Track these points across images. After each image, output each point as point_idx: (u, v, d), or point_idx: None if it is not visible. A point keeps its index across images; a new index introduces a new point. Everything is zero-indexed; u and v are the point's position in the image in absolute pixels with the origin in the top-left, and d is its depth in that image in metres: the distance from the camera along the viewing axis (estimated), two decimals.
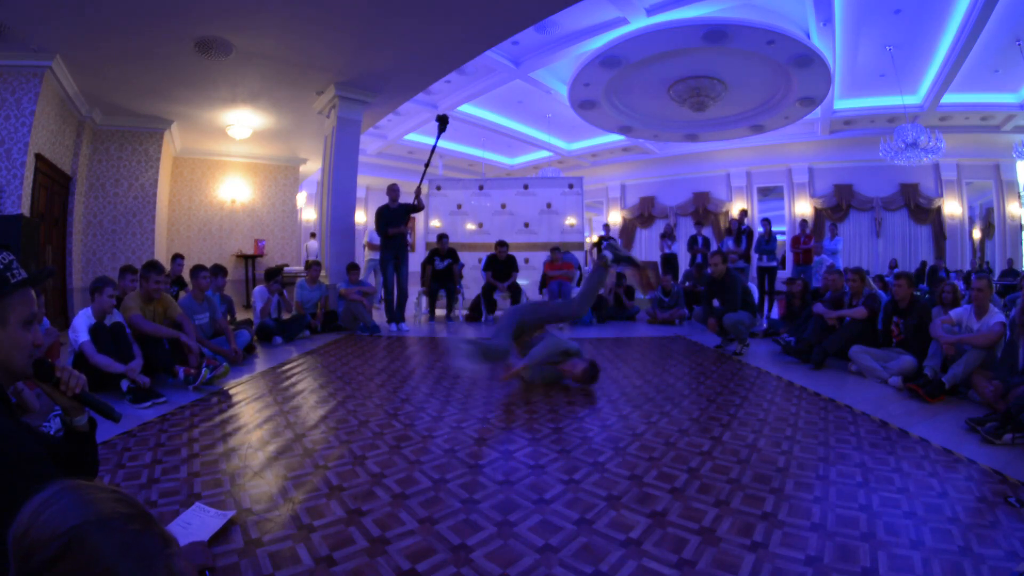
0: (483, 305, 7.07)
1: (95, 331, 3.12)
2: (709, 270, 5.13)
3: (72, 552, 0.56)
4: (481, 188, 8.82)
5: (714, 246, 8.88)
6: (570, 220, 8.56)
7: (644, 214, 14.32)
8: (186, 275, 5.83)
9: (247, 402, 3.09)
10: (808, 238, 8.42)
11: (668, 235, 9.43)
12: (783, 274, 9.03)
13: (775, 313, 7.20)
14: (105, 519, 0.60)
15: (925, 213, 11.37)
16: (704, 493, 1.85)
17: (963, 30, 6.87)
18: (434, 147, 6.16)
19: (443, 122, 5.43)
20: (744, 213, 8.91)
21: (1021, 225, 10.76)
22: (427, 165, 6.36)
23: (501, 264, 7.15)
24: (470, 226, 8.61)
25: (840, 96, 9.72)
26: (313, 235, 11.89)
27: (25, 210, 5.07)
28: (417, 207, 6.21)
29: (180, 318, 3.68)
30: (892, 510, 1.72)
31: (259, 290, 5.64)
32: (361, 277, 6.66)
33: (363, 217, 13.35)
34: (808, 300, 5.54)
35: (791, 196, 12.43)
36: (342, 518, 1.65)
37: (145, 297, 3.55)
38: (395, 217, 6.15)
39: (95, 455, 1.26)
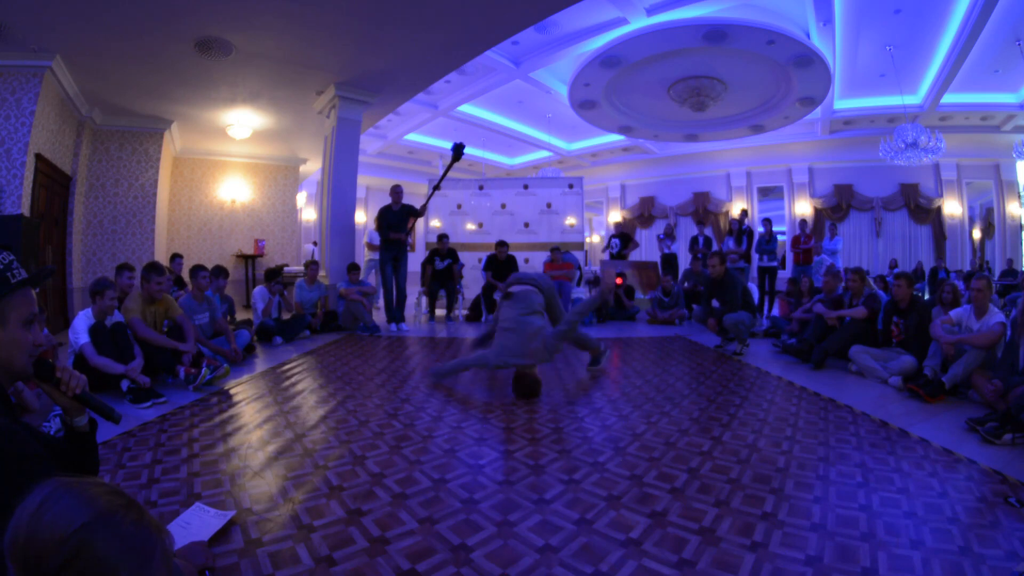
0: (483, 305, 7.07)
1: (95, 332, 3.12)
2: (708, 271, 5.13)
3: (80, 556, 0.56)
4: (481, 188, 8.82)
5: (715, 246, 8.88)
6: (570, 220, 8.56)
7: (644, 214, 14.32)
8: (186, 275, 5.83)
9: (247, 402, 3.09)
10: (808, 238, 8.42)
11: (668, 235, 9.42)
12: (783, 274, 9.04)
13: (776, 311, 7.20)
14: (105, 514, 0.59)
15: (925, 213, 11.37)
16: (704, 493, 1.85)
17: (963, 30, 6.88)
18: (445, 173, 6.14)
19: (458, 150, 5.44)
20: (744, 213, 8.91)
21: (1021, 225, 10.76)
22: (436, 187, 6.36)
23: (501, 264, 7.15)
24: (470, 226, 8.61)
25: (840, 96, 9.72)
26: (316, 243, 11.87)
27: (25, 210, 5.07)
28: (419, 212, 6.23)
29: (181, 319, 3.68)
30: (892, 510, 1.72)
31: (259, 290, 5.64)
32: (361, 277, 6.66)
33: (363, 217, 13.35)
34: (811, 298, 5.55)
35: (791, 196, 12.43)
36: (342, 518, 1.65)
37: (147, 298, 3.55)
38: (397, 220, 6.16)
39: (95, 455, 1.26)
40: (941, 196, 11.26)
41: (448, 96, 9.85)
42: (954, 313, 3.49)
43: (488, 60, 7.99)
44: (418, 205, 6.27)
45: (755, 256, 8.18)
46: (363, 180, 12.21)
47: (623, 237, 10.10)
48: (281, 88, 6.57)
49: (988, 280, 3.34)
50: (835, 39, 7.38)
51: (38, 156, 5.42)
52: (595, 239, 16.54)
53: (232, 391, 3.33)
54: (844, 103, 10.05)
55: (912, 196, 11.37)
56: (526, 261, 8.17)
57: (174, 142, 8.41)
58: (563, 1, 4.80)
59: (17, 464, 0.87)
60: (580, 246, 8.54)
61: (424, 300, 7.44)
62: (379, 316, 6.71)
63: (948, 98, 9.17)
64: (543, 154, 14.01)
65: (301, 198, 12.24)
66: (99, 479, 0.67)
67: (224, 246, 9.26)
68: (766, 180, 12.80)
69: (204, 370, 3.32)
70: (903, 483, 1.93)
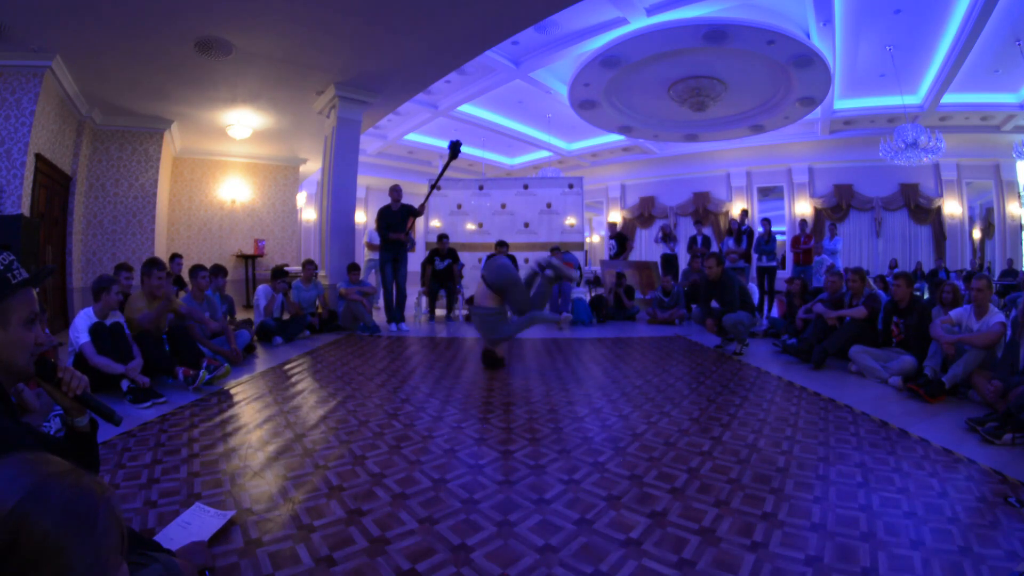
0: None
1: (96, 331, 3.12)
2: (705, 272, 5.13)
3: (23, 537, 0.52)
4: (481, 188, 8.82)
5: (714, 246, 8.88)
6: (570, 220, 8.56)
7: (644, 214, 14.32)
8: (185, 275, 5.83)
9: (247, 402, 3.09)
10: (808, 238, 8.42)
11: (669, 236, 9.41)
12: (783, 274, 9.04)
13: (775, 312, 7.20)
14: (40, 486, 0.55)
15: (925, 213, 11.37)
16: (704, 493, 1.85)
17: (963, 30, 6.88)
18: (443, 171, 6.15)
19: (455, 148, 5.46)
20: (745, 213, 8.91)
21: (1021, 225, 10.76)
22: (434, 186, 6.36)
23: None
24: (470, 226, 8.61)
25: (840, 96, 9.72)
26: None
27: (25, 210, 5.07)
28: (418, 212, 6.23)
29: (184, 310, 3.71)
30: (892, 510, 1.72)
31: (263, 288, 5.64)
32: (361, 277, 6.66)
33: (363, 217, 13.35)
34: (807, 299, 5.54)
35: (791, 196, 12.43)
36: (342, 518, 1.65)
37: (148, 296, 3.56)
38: (396, 220, 6.16)
39: (96, 456, 1.25)
40: (941, 196, 11.26)
41: (448, 96, 9.85)
42: (954, 313, 3.49)
43: (488, 60, 7.98)
44: (417, 205, 6.28)
45: (754, 256, 8.18)
46: (363, 180, 12.20)
47: (619, 239, 10.14)
48: (281, 88, 6.57)
49: (988, 280, 3.34)
50: (835, 39, 7.38)
51: (38, 156, 5.42)
52: (595, 239, 16.54)
53: (232, 391, 3.33)
54: (844, 103, 10.05)
55: (912, 196, 11.36)
56: (526, 261, 8.16)
57: (174, 142, 8.41)
58: (563, 1, 4.80)
59: None
60: (580, 246, 8.54)
61: (424, 300, 7.44)
62: (379, 316, 6.71)
63: (948, 98, 9.16)
64: (543, 154, 14.01)
65: (301, 198, 12.24)
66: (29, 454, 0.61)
67: (224, 246, 9.26)
68: (766, 180, 12.79)
69: (203, 371, 3.32)
70: (903, 483, 1.93)
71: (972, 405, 3.01)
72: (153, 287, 3.55)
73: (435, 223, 8.61)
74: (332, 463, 2.11)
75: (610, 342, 5.49)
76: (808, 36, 7.22)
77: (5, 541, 0.51)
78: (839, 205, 11.92)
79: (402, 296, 6.29)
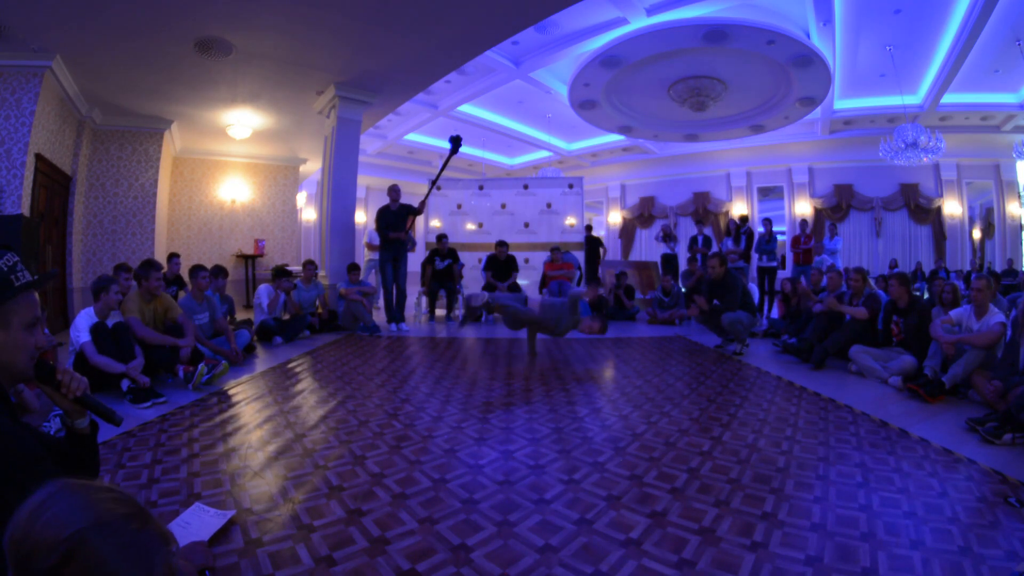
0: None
1: (96, 330, 3.12)
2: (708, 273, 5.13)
3: (75, 559, 0.56)
4: (481, 188, 8.82)
5: (714, 246, 8.87)
6: (570, 220, 8.56)
7: (644, 214, 14.33)
8: (185, 275, 5.82)
9: (247, 402, 3.09)
10: (808, 238, 8.42)
11: (669, 236, 9.40)
12: (783, 274, 9.04)
13: (775, 313, 7.20)
14: (105, 521, 0.60)
15: (925, 213, 11.37)
16: (704, 493, 1.85)
17: (963, 30, 6.88)
18: (444, 166, 6.16)
19: (456, 143, 5.46)
20: (744, 219, 8.90)
21: (1021, 225, 10.77)
22: (434, 183, 6.38)
23: (501, 264, 7.15)
24: (470, 226, 8.61)
25: (840, 96, 9.72)
26: None
27: (25, 210, 5.06)
28: (417, 211, 6.23)
29: (181, 319, 3.68)
30: (892, 510, 1.72)
31: (265, 288, 5.61)
32: (361, 277, 6.66)
33: (363, 217, 13.35)
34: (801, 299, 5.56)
35: (791, 196, 12.43)
36: (342, 518, 1.65)
37: (145, 297, 3.56)
38: (395, 219, 6.16)
39: (96, 456, 1.25)
40: (941, 196, 11.26)
41: (448, 96, 9.85)
42: (954, 313, 3.49)
43: (488, 60, 7.98)
44: (417, 204, 6.27)
45: (755, 256, 8.18)
46: (363, 180, 12.21)
47: (591, 242, 10.21)
48: (281, 88, 6.57)
49: (988, 280, 3.34)
50: (835, 39, 7.38)
51: (38, 156, 5.41)
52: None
53: (232, 391, 3.33)
54: (844, 103, 10.05)
55: (912, 196, 11.37)
56: (526, 261, 8.17)
57: (174, 142, 8.41)
58: (563, 1, 4.80)
59: (19, 464, 0.87)
60: (580, 246, 8.54)
61: (424, 300, 7.44)
62: (379, 316, 6.71)
63: (948, 98, 9.16)
64: (543, 154, 14.01)
65: (301, 198, 12.24)
66: (109, 484, 0.68)
67: (224, 246, 9.26)
68: (766, 180, 12.80)
69: (201, 367, 3.32)
70: (903, 483, 1.93)
71: (972, 405, 3.01)
72: (151, 288, 3.55)
73: (435, 223, 8.60)
74: (332, 463, 2.11)
75: (610, 342, 5.49)
76: (808, 36, 7.23)
77: (56, 559, 0.56)
78: (839, 205, 11.92)
79: (402, 296, 6.29)
